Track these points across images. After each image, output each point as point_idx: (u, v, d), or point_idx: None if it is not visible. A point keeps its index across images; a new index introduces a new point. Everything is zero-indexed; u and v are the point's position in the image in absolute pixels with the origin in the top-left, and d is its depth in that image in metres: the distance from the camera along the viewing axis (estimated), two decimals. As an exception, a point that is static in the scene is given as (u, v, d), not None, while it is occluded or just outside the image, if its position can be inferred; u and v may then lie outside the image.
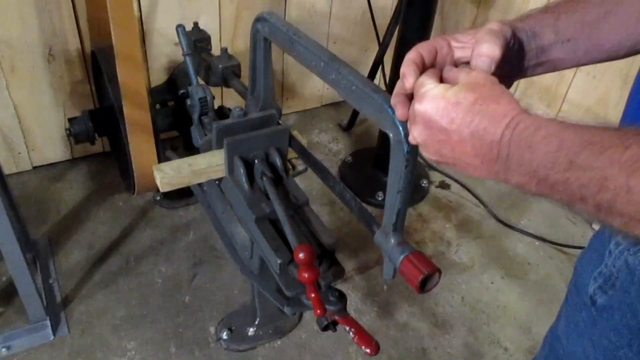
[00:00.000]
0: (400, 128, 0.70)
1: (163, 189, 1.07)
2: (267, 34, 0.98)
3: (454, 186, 1.92)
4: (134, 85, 1.26)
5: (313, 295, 0.87)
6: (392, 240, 0.78)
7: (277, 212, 0.99)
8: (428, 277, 0.75)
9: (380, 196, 1.80)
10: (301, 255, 0.82)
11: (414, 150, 0.71)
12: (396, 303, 1.50)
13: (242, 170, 1.05)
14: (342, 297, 0.96)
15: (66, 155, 1.84)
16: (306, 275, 0.84)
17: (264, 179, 1.05)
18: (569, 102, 1.77)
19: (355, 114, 2.13)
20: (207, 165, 1.10)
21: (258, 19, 0.99)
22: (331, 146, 2.08)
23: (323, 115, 2.24)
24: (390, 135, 0.71)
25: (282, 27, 0.92)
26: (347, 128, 2.16)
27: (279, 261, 0.95)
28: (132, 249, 1.58)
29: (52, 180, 1.78)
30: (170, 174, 1.07)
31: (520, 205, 1.88)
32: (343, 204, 0.92)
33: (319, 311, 0.89)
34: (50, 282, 1.45)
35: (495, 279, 1.60)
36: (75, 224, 1.64)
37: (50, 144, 1.78)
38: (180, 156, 1.16)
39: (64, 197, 1.73)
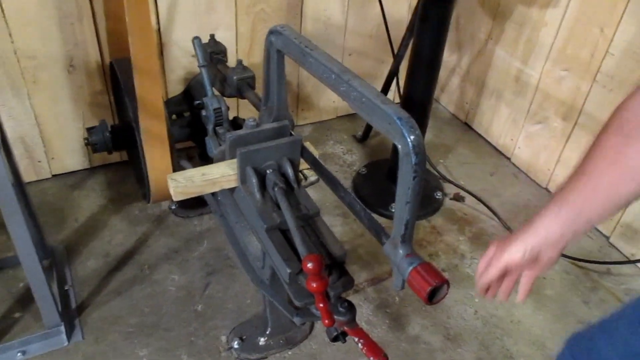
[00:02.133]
0: (409, 139, 0.70)
1: (176, 197, 1.09)
2: (280, 46, 0.99)
3: (469, 199, 1.91)
4: (150, 97, 1.29)
5: (322, 305, 0.87)
6: (401, 252, 0.78)
7: (288, 222, 0.99)
8: (436, 288, 0.75)
9: (393, 208, 1.80)
10: (309, 265, 0.82)
11: (422, 161, 0.71)
12: (408, 315, 1.50)
13: (254, 181, 1.06)
14: (351, 308, 0.96)
15: (84, 164, 1.87)
16: (314, 285, 0.84)
17: (276, 189, 1.06)
18: (585, 114, 1.75)
19: (369, 125, 2.13)
20: (220, 175, 1.11)
21: (272, 32, 1.01)
22: (346, 157, 2.09)
23: (338, 126, 2.25)
24: (399, 146, 0.72)
25: (294, 39, 0.94)
26: (362, 140, 2.17)
27: (288, 271, 0.96)
28: (147, 258, 1.60)
29: (70, 188, 1.82)
30: (184, 183, 1.08)
31: (535, 218, 1.86)
32: (353, 214, 0.92)
33: (327, 321, 0.89)
34: (66, 288, 1.48)
35: (509, 293, 1.59)
36: (91, 231, 1.67)
37: (69, 153, 1.82)
38: (196, 166, 1.18)
39: (81, 205, 1.76)
